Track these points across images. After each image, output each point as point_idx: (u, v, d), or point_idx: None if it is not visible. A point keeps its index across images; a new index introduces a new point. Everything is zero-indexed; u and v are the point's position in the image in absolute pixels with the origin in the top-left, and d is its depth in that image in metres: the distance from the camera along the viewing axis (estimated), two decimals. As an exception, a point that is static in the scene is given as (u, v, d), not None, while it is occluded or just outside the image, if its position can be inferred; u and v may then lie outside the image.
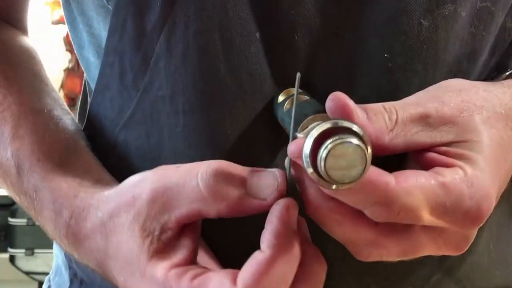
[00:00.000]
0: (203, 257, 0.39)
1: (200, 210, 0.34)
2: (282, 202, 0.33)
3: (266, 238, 0.32)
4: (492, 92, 0.37)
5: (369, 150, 0.29)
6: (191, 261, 0.35)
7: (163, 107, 0.41)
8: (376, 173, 0.31)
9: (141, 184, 0.37)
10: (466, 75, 0.41)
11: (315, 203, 0.33)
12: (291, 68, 0.39)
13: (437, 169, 0.33)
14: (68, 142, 0.44)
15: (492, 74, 0.43)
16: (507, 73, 0.42)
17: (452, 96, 0.35)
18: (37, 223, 0.44)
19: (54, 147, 0.43)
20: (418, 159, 0.34)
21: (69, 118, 0.47)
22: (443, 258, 0.45)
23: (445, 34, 0.39)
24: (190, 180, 0.34)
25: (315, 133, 0.29)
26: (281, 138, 0.40)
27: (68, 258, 0.52)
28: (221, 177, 0.34)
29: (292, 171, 0.34)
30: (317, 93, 0.39)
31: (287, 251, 0.32)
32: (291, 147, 0.31)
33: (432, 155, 0.34)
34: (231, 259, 0.36)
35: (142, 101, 0.41)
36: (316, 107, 0.36)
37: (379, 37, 0.39)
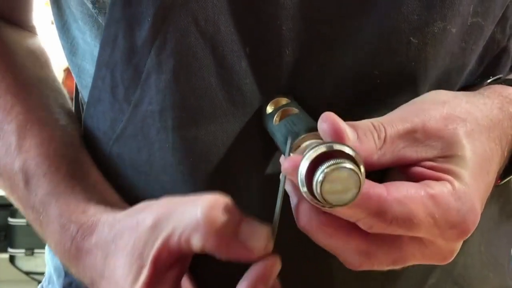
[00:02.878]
0: None
1: (190, 238, 0.34)
2: (269, 261, 0.34)
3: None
4: (474, 104, 0.38)
5: (363, 170, 0.30)
6: None
7: (153, 123, 0.41)
8: (368, 185, 0.31)
9: (146, 210, 0.37)
10: (453, 86, 0.42)
11: (306, 217, 0.33)
12: (281, 83, 0.40)
13: (426, 182, 0.33)
14: (74, 155, 0.45)
15: (475, 80, 0.44)
16: (489, 81, 0.42)
17: (437, 109, 0.36)
18: (40, 236, 0.44)
19: (60, 160, 0.44)
20: (405, 173, 0.35)
21: (74, 128, 0.47)
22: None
23: (434, 51, 0.40)
24: (190, 208, 0.35)
25: (311, 156, 0.30)
26: (272, 150, 0.40)
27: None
28: (220, 211, 0.34)
29: (287, 185, 0.34)
30: (306, 107, 0.39)
31: None
32: (286, 165, 0.31)
33: (419, 169, 0.34)
34: None
35: (133, 115, 0.42)
36: (306, 122, 0.36)
37: (368, 54, 0.39)
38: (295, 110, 0.38)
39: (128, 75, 0.41)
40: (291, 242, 0.40)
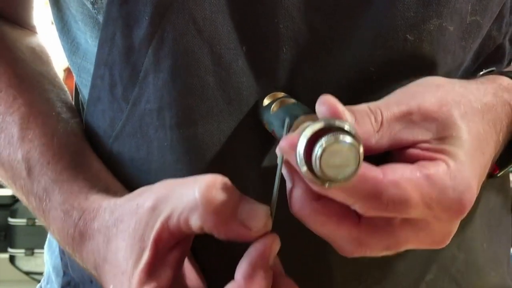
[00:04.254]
0: (190, 273, 0.40)
1: (189, 218, 0.34)
2: (268, 239, 0.34)
3: (243, 268, 0.33)
4: (467, 88, 0.38)
5: (361, 148, 0.29)
6: (176, 278, 0.36)
7: (151, 121, 0.41)
8: (364, 168, 0.31)
9: (146, 193, 0.37)
10: None
11: (299, 204, 0.33)
12: (278, 81, 0.40)
13: (421, 162, 0.33)
14: (76, 146, 0.45)
15: (469, 75, 0.44)
16: (481, 73, 0.43)
17: (431, 91, 0.36)
18: (42, 223, 0.44)
19: (63, 150, 0.44)
20: (401, 155, 0.35)
21: (76, 122, 0.47)
22: (433, 259, 0.46)
23: (431, 48, 0.40)
24: (188, 190, 0.34)
25: (308, 131, 0.29)
26: (269, 148, 0.41)
27: (64, 264, 0.52)
28: (218, 191, 0.34)
29: (283, 169, 0.34)
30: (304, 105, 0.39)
31: (261, 284, 0.33)
32: (283, 144, 0.31)
33: (415, 151, 0.34)
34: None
35: (132, 114, 0.42)
36: (304, 109, 0.36)
37: (365, 51, 0.39)
38: (292, 100, 0.38)
39: (126, 74, 0.41)
40: (288, 237, 0.40)
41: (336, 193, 0.32)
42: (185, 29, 0.38)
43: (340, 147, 0.29)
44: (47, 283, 0.55)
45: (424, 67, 0.40)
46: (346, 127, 0.29)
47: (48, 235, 0.57)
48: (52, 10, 0.49)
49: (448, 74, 0.42)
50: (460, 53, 0.42)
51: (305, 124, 0.33)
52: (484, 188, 0.48)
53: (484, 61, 0.45)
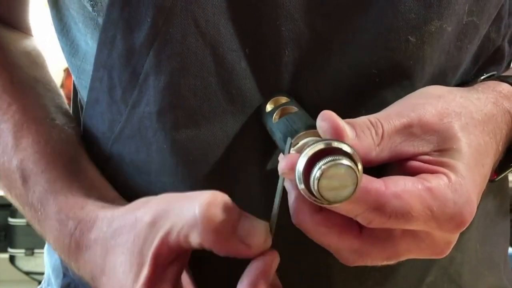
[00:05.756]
0: (186, 285, 0.39)
1: (188, 235, 0.34)
2: (268, 257, 0.34)
3: (244, 286, 0.33)
4: (468, 98, 0.38)
5: (360, 167, 0.30)
6: None
7: (150, 124, 0.41)
8: (366, 180, 0.31)
9: (145, 207, 0.37)
10: (448, 85, 0.42)
11: (301, 216, 0.34)
12: (280, 83, 0.40)
13: (422, 175, 0.33)
14: (71, 153, 0.45)
15: (469, 78, 0.44)
16: (482, 77, 0.43)
17: (432, 103, 0.36)
18: (40, 234, 0.44)
19: (57, 158, 0.44)
20: (401, 167, 0.35)
21: (72, 127, 0.47)
22: (433, 260, 0.47)
23: (431, 49, 0.40)
24: (188, 206, 0.34)
25: (309, 152, 0.30)
26: (271, 149, 0.41)
27: (64, 265, 0.52)
28: (218, 208, 0.34)
29: (286, 182, 0.35)
30: (306, 107, 0.39)
31: None
32: (283, 164, 0.32)
33: (416, 163, 0.35)
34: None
35: (131, 116, 0.42)
36: (305, 121, 0.36)
37: (367, 53, 0.39)
38: (294, 108, 0.38)
39: (125, 77, 0.40)
40: (290, 240, 0.40)
41: (338, 208, 0.32)
42: (187, 31, 0.38)
43: (338, 170, 0.29)
44: (48, 285, 0.55)
45: (423, 68, 0.40)
46: (345, 148, 0.30)
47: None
48: (51, 12, 0.49)
49: (444, 74, 0.42)
50: (455, 53, 0.42)
51: (305, 140, 0.33)
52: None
53: (483, 64, 0.45)
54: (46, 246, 0.57)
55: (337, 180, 0.29)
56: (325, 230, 0.33)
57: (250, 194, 0.41)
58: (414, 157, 0.35)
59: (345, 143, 0.30)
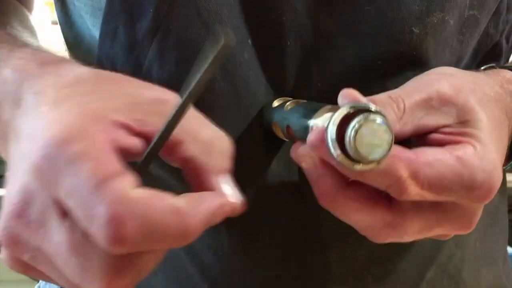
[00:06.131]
0: None
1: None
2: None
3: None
4: (478, 77, 0.39)
5: (391, 124, 0.30)
6: None
7: None
8: (397, 150, 0.32)
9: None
10: None
11: (330, 193, 0.33)
12: (284, 74, 0.40)
13: (448, 146, 0.34)
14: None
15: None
16: (483, 68, 0.43)
17: (446, 79, 0.36)
18: None
19: None
20: (425, 141, 0.35)
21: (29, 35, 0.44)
22: (434, 255, 0.47)
23: (434, 41, 0.40)
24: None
25: (337, 117, 0.30)
26: (276, 142, 0.40)
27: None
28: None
29: (304, 164, 0.34)
30: (310, 98, 0.39)
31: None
32: (311, 137, 0.31)
33: (439, 135, 0.35)
34: None
35: None
36: (320, 104, 0.36)
37: (371, 44, 0.40)
38: (303, 100, 0.38)
39: (129, 67, 0.40)
40: (284, 237, 0.40)
41: (371, 176, 0.32)
42: (190, 21, 0.38)
43: (372, 125, 0.29)
44: (46, 283, 0.55)
45: (427, 59, 0.41)
46: (373, 108, 0.30)
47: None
48: (56, 6, 0.49)
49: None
50: (458, 47, 0.42)
51: (329, 113, 0.32)
52: None
53: (482, 60, 0.45)
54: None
55: (372, 136, 0.29)
56: (357, 205, 0.33)
57: (255, 185, 0.41)
58: (436, 130, 0.35)
59: (372, 104, 0.30)
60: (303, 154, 0.35)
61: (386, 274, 0.45)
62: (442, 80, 0.36)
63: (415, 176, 0.32)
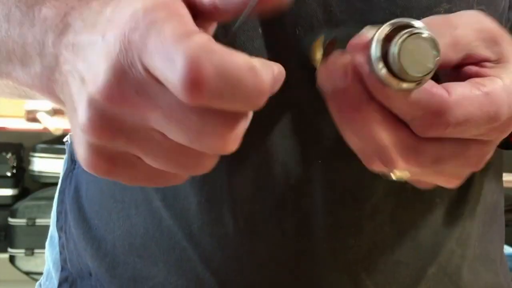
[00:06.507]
0: None
1: None
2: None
3: None
4: None
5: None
6: None
7: None
8: (431, 84, 0.31)
9: None
10: None
11: (357, 101, 0.32)
12: (293, 62, 0.40)
13: (476, 79, 0.34)
14: None
15: None
16: None
17: (488, 20, 0.36)
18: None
19: None
20: (459, 73, 0.35)
21: None
22: (436, 251, 0.46)
23: None
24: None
25: (381, 33, 0.29)
26: (292, 124, 0.41)
27: (63, 259, 0.52)
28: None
29: (321, 79, 0.34)
30: (319, 87, 0.39)
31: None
32: (354, 41, 0.31)
33: (477, 68, 0.34)
34: None
35: None
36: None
37: None
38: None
39: None
40: (291, 229, 0.40)
41: (402, 103, 0.31)
42: None
43: (417, 40, 0.28)
44: (46, 280, 0.55)
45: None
46: (417, 24, 0.29)
47: (49, 233, 0.56)
48: None
49: None
50: None
51: (373, 31, 0.32)
52: (483, 186, 0.49)
53: None
54: (47, 241, 0.57)
55: (417, 52, 0.28)
56: (380, 118, 0.32)
57: (261, 174, 0.41)
58: (480, 62, 0.35)
59: (415, 20, 0.29)
60: (338, 63, 0.33)
61: (388, 264, 0.45)
62: (486, 21, 0.36)
63: (443, 115, 0.31)
